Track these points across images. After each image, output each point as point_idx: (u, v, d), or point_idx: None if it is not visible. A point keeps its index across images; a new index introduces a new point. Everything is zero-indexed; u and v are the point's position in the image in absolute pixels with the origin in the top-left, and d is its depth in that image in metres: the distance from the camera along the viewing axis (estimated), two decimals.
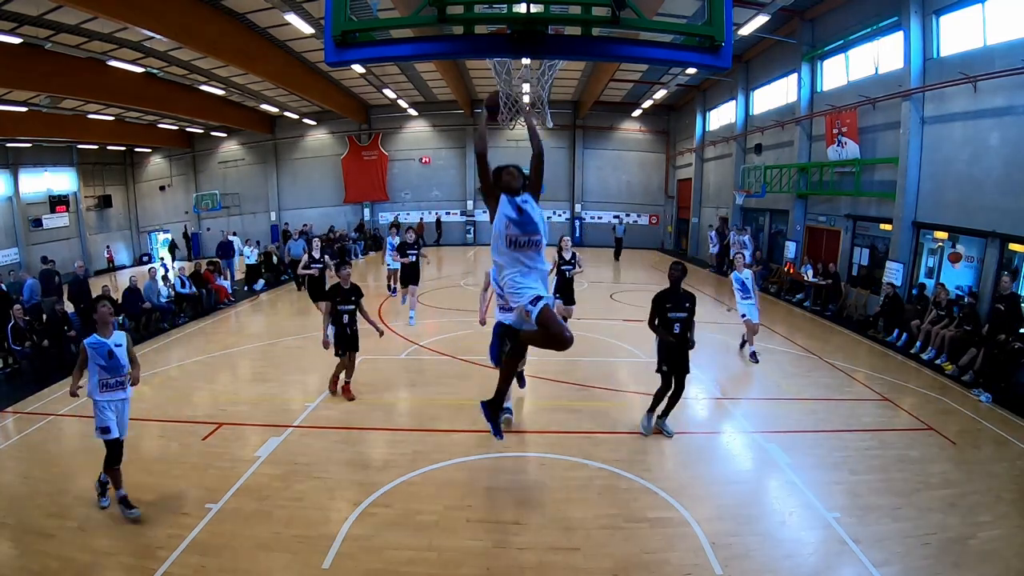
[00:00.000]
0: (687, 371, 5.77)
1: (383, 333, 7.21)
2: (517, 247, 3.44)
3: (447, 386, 7.47)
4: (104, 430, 4.47)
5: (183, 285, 12.13)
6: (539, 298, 3.31)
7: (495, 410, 4.00)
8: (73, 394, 4.64)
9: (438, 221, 25.98)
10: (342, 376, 7.03)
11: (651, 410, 5.99)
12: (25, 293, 10.68)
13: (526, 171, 3.59)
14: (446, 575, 3.87)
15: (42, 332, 8.93)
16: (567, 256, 8.55)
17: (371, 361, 8.33)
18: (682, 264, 5.75)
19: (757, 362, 8.54)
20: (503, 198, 3.46)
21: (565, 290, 8.68)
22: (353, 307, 6.75)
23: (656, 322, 5.76)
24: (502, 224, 3.43)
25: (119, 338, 4.60)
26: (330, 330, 6.86)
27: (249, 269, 16.16)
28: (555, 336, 3.29)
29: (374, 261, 20.78)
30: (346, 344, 6.77)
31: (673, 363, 5.69)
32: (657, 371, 5.79)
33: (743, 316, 8.58)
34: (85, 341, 4.55)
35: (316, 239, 10.33)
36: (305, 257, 9.64)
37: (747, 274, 8.65)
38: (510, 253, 3.44)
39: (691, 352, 5.83)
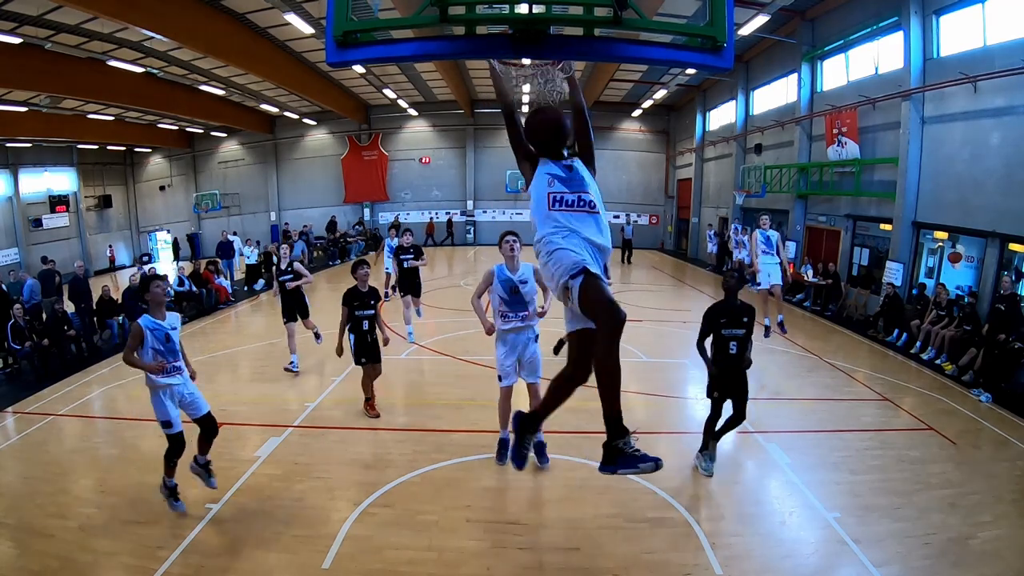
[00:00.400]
0: (746, 395, 5.02)
1: (388, 341, 6.53)
2: (564, 207, 2.63)
3: (447, 386, 7.47)
4: (166, 424, 4.28)
5: (181, 284, 12.15)
6: (583, 269, 2.46)
7: (527, 427, 3.19)
8: (162, 370, 4.17)
9: (449, 221, 25.85)
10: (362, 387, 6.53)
11: (704, 447, 5.18)
12: (25, 293, 10.69)
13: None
14: (446, 575, 3.87)
15: (42, 332, 8.93)
16: None
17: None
18: (738, 272, 5.17)
19: (785, 332, 8.87)
20: (543, 160, 2.76)
21: None
22: (373, 312, 6.17)
23: (706, 342, 5.03)
24: (544, 182, 2.69)
25: (174, 320, 4.37)
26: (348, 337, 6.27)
27: (249, 269, 16.17)
28: (602, 312, 2.40)
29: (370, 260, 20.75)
30: (368, 354, 6.20)
31: (728, 387, 5.02)
32: (708, 396, 5.11)
33: (759, 286, 8.64)
34: (141, 321, 4.19)
35: (284, 245, 8.92)
36: (278, 270, 8.17)
37: (774, 233, 8.75)
38: (552, 216, 2.63)
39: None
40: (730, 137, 19.12)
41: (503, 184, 25.36)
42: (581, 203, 2.65)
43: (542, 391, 4.51)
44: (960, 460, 5.53)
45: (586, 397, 7.33)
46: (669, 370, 8.25)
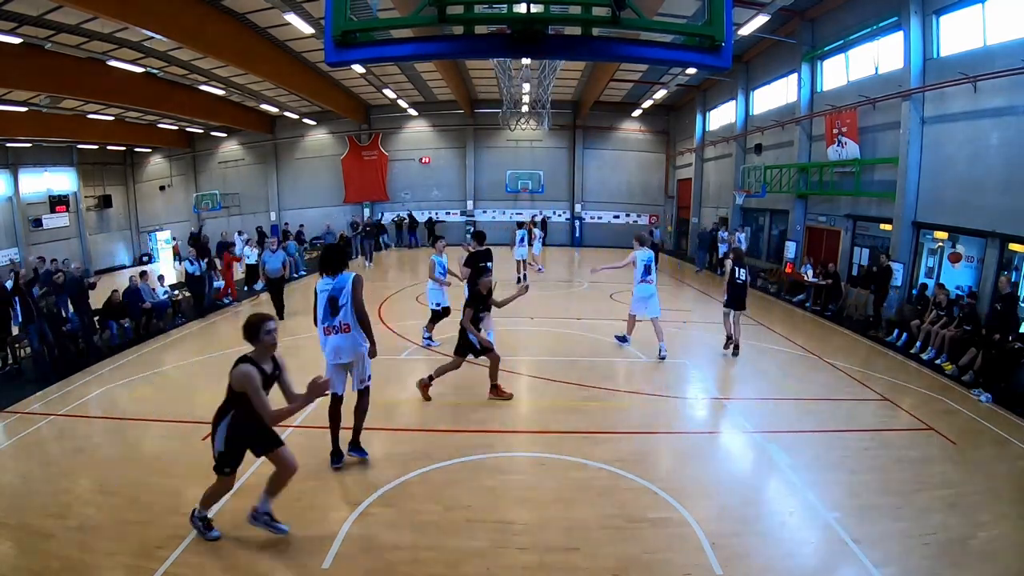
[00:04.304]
0: None
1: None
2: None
3: (447, 386, 7.45)
4: None
5: (192, 264, 12.13)
6: None
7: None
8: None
9: (544, 222, 24.68)
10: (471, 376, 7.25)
11: None
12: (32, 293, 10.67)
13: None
14: (446, 575, 3.87)
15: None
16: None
17: (371, 361, 8.31)
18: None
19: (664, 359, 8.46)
20: None
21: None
22: (488, 312, 6.84)
23: None
24: None
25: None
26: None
27: (249, 269, 16.13)
28: None
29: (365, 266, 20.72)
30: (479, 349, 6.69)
31: None
32: None
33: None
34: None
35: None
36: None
37: (648, 254, 8.56)
38: None
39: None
40: (730, 137, 19.12)
41: (503, 184, 25.36)
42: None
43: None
44: (960, 460, 5.53)
45: (586, 398, 7.37)
46: (669, 370, 8.24)
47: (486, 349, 6.59)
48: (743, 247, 16.49)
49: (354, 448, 5.37)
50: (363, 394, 5.31)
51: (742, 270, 8.70)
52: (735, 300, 8.56)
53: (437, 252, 9.00)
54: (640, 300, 8.60)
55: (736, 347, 8.75)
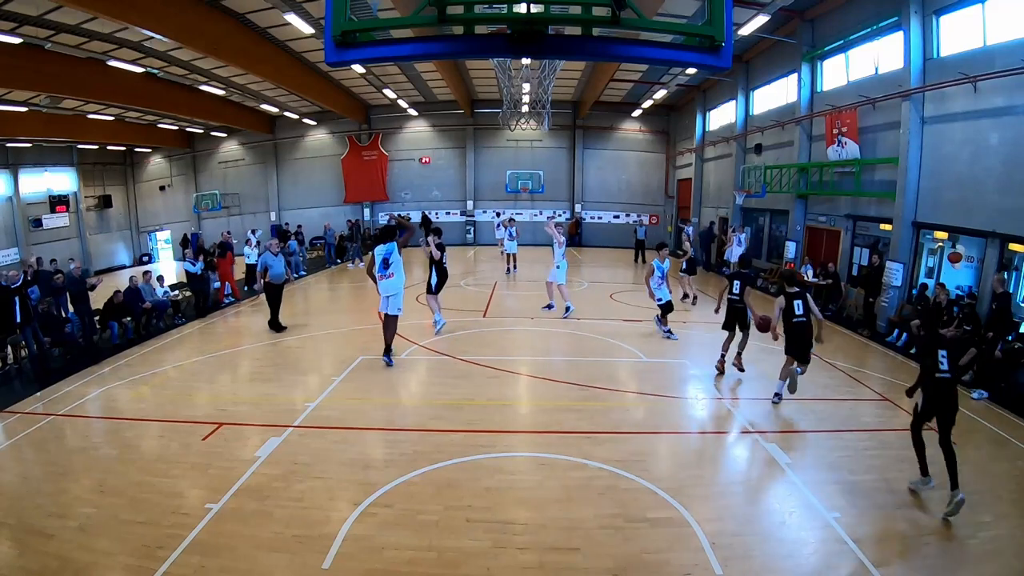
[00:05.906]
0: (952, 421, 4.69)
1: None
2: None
3: (447, 386, 7.47)
4: None
5: (193, 264, 11.98)
6: None
7: None
8: None
9: (577, 222, 25.66)
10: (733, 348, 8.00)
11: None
12: (32, 294, 10.65)
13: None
14: (446, 575, 3.87)
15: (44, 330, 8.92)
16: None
17: (371, 361, 8.33)
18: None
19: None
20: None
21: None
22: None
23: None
24: None
25: None
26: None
27: (249, 269, 16.12)
28: None
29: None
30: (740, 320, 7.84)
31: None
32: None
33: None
34: None
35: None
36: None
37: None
38: None
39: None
40: (730, 137, 19.11)
41: (503, 184, 25.36)
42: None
43: None
44: (960, 460, 5.50)
45: (586, 398, 7.36)
46: (669, 370, 8.25)
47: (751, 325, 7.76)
48: (743, 247, 16.59)
49: (385, 354, 8.21)
50: (394, 319, 8.16)
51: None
52: (689, 270, 13.21)
53: (660, 259, 9.94)
54: (559, 271, 10.94)
55: (694, 298, 12.96)
